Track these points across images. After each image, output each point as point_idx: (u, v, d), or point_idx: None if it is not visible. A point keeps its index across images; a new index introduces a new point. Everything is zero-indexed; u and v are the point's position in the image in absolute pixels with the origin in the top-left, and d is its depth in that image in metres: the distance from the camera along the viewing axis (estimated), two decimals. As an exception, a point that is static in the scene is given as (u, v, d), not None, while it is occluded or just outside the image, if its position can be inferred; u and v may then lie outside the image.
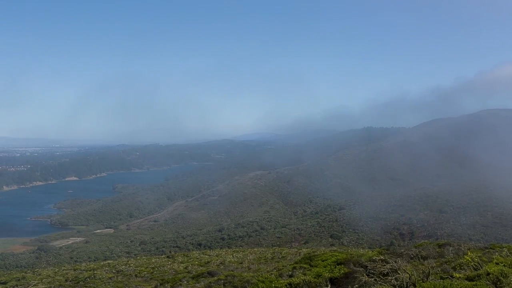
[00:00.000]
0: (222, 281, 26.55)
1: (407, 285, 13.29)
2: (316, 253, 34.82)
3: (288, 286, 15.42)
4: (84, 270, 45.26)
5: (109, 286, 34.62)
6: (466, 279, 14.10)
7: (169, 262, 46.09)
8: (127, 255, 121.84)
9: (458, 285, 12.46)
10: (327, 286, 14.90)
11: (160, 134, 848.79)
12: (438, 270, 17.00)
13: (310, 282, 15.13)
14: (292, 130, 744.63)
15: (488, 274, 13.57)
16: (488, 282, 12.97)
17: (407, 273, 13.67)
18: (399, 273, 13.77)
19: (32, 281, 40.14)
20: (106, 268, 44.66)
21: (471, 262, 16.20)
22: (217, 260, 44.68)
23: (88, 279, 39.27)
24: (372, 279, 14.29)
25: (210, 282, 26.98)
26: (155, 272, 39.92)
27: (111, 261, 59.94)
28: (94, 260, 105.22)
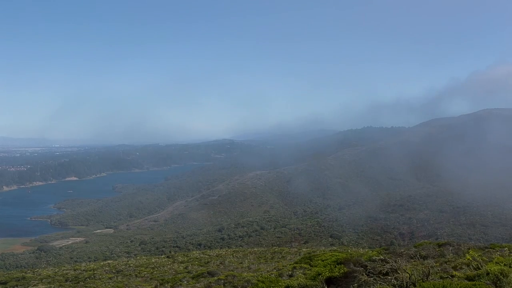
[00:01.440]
0: (222, 281, 26.56)
1: (407, 284, 13.29)
2: (316, 253, 34.85)
3: None
4: (84, 270, 45.23)
5: (109, 286, 34.64)
6: (466, 278, 14.11)
7: (169, 262, 46.07)
8: (127, 255, 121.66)
9: (458, 284, 12.46)
10: None
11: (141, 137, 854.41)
12: (438, 270, 16.99)
13: (307, 285, 15.12)
14: (287, 131, 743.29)
15: (488, 273, 13.57)
16: (488, 282, 12.97)
17: (407, 272, 13.67)
18: (399, 273, 13.77)
19: (32, 281, 40.15)
20: (106, 268, 44.64)
21: (472, 262, 16.22)
22: (217, 260, 44.68)
23: (88, 279, 39.28)
24: (372, 278, 14.29)
25: (210, 282, 26.99)
26: (155, 272, 39.92)
27: (111, 261, 59.90)
28: (94, 260, 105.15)
